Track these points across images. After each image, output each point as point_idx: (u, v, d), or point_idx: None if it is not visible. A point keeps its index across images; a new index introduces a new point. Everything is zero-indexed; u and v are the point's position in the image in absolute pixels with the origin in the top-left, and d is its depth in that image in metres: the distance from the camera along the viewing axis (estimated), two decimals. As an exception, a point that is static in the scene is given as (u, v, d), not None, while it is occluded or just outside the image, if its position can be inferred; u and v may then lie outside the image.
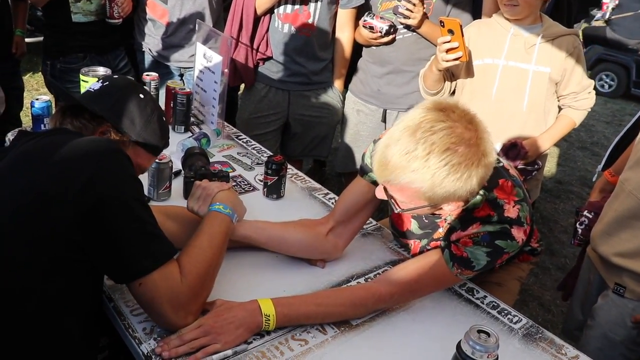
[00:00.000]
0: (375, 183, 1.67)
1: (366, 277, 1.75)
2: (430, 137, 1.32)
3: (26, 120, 3.67)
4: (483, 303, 1.70)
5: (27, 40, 4.06)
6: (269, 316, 1.43)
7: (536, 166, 2.49)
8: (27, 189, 1.28)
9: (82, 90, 2.49)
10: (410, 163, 1.34)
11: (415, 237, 1.78)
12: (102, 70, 2.56)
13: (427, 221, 1.71)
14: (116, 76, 1.77)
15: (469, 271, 1.54)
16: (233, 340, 1.39)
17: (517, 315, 1.66)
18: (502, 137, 2.43)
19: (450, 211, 1.52)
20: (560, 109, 2.55)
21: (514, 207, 1.50)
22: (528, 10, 2.34)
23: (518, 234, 1.50)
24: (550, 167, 5.16)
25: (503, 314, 1.66)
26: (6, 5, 3.37)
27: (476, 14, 2.80)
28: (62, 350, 1.35)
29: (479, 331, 1.25)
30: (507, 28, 2.41)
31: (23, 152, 1.36)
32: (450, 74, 2.52)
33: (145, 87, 2.57)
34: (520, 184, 1.58)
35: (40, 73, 3.40)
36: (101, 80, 1.56)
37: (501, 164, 1.60)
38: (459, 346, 1.26)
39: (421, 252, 1.73)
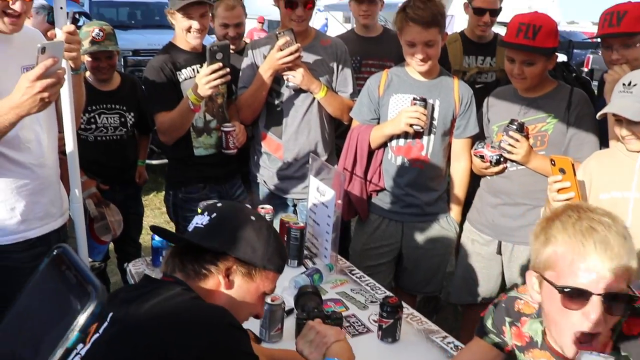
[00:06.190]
0: (497, 346, 1.59)
1: None
2: (594, 216, 1.35)
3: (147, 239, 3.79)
4: None
5: (154, 162, 4.55)
6: None
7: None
8: None
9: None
10: (619, 236, 1.33)
11: None
12: (219, 205, 2.61)
13: None
14: (220, 204, 1.58)
15: None
16: None
17: None
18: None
19: None
20: None
21: None
22: None
23: None
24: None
25: None
26: (133, 140, 3.70)
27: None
28: None
29: None
30: (633, 157, 2.21)
31: (123, 321, 1.28)
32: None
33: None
34: None
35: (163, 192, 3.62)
36: (207, 213, 1.48)
37: None
38: None
39: None
